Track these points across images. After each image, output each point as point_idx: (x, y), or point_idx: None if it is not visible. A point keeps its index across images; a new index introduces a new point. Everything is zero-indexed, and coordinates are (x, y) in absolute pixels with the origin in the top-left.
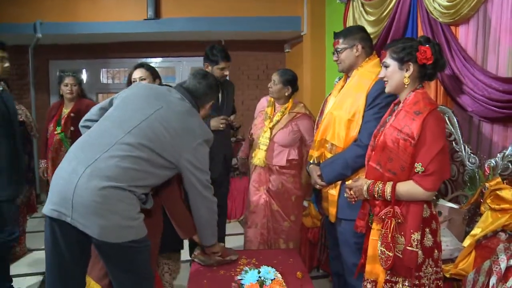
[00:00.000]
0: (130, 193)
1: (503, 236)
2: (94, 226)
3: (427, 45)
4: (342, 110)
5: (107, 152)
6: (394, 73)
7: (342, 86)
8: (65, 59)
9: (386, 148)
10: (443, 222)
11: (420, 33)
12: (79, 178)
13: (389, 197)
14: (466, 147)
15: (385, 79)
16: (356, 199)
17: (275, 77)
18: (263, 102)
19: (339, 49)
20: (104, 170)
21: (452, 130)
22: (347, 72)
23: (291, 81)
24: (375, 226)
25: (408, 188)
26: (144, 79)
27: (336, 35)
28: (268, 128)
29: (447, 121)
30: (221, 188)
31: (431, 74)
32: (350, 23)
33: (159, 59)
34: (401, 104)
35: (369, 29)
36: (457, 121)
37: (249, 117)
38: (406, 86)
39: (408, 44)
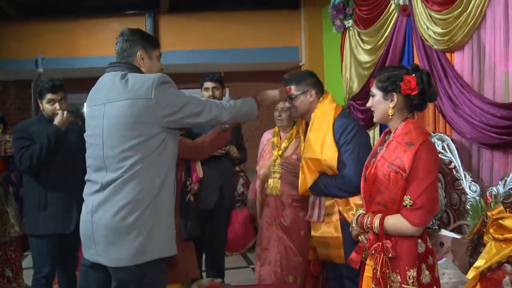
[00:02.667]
0: None
1: (508, 268)
2: None
3: (413, 75)
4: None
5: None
6: (379, 103)
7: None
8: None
9: (377, 180)
10: (445, 253)
11: (416, 60)
12: None
13: (377, 230)
14: (467, 175)
15: (372, 108)
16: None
17: (283, 105)
18: (267, 135)
19: (292, 96)
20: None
21: (452, 157)
22: (301, 117)
23: None
24: (368, 262)
25: (395, 221)
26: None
27: (288, 82)
28: (277, 156)
29: (446, 149)
30: (218, 220)
31: (418, 104)
32: (347, 52)
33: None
34: (392, 135)
35: (366, 58)
36: (456, 148)
37: (250, 148)
38: (390, 117)
39: (393, 73)
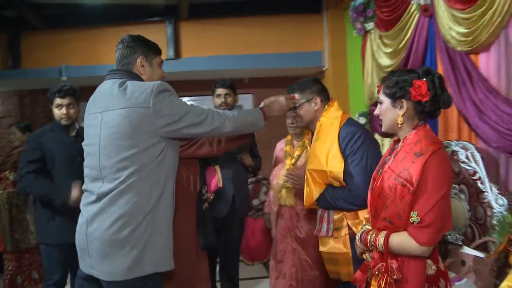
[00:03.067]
0: None
1: None
2: None
3: (423, 79)
4: (318, 163)
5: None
6: (387, 111)
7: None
8: None
9: (382, 193)
10: (467, 274)
11: (439, 63)
12: None
13: (381, 249)
14: (493, 187)
15: (380, 117)
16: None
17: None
18: (280, 145)
19: (296, 104)
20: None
21: (476, 168)
22: (307, 126)
23: None
24: (373, 282)
25: (401, 240)
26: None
27: (291, 90)
28: (290, 166)
29: (470, 158)
30: (232, 229)
31: (430, 111)
32: (368, 56)
33: (184, 98)
34: (400, 143)
35: (387, 62)
36: (481, 157)
37: (267, 157)
38: (400, 126)
39: (402, 77)
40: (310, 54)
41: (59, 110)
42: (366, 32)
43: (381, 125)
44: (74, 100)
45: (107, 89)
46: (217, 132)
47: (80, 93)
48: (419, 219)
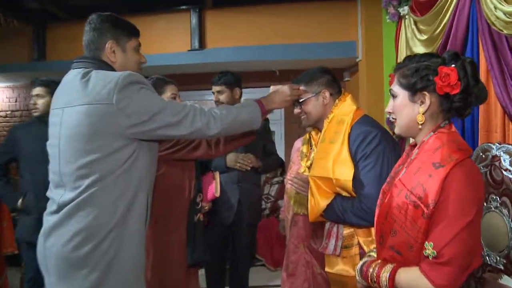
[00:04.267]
0: None
1: None
2: None
3: (452, 65)
4: (323, 168)
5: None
6: (404, 107)
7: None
8: None
9: (390, 214)
10: None
11: (481, 51)
12: None
13: (385, 286)
14: None
15: (392, 116)
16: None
17: None
18: (297, 144)
19: (301, 100)
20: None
21: None
22: (315, 125)
23: None
24: None
25: (410, 278)
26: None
27: (295, 82)
28: (305, 168)
29: None
30: (239, 237)
31: (460, 108)
32: (402, 44)
33: (207, 92)
34: (415, 150)
35: (422, 50)
36: None
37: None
38: (420, 126)
39: (423, 63)
40: (343, 44)
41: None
42: (400, 18)
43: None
44: (44, 91)
45: (69, 80)
46: (200, 134)
47: None
48: (436, 253)
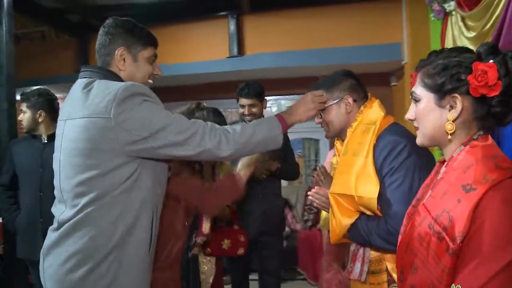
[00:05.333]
0: None
1: None
2: None
3: (490, 61)
4: (345, 185)
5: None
6: (429, 113)
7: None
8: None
9: (410, 246)
10: None
11: None
12: None
13: None
14: None
15: (414, 123)
16: None
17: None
18: (330, 154)
19: (322, 108)
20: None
21: None
22: (339, 135)
23: None
24: None
25: None
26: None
27: (315, 88)
28: None
29: None
30: (266, 249)
31: (499, 114)
32: (449, 43)
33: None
34: (443, 168)
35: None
36: None
37: None
38: (450, 137)
39: (453, 59)
40: (388, 46)
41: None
42: (446, 15)
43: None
44: (25, 105)
45: (73, 91)
46: (209, 155)
47: None
48: None
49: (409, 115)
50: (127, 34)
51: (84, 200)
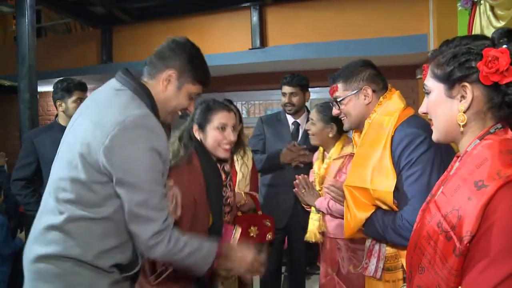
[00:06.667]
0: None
1: None
2: None
3: (503, 46)
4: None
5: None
6: (439, 105)
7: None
8: None
9: (419, 245)
10: None
11: None
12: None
13: None
14: None
15: (429, 117)
16: None
17: (312, 115)
18: (315, 156)
19: (339, 99)
20: (41, 236)
21: None
22: (358, 127)
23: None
24: None
25: None
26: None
27: (332, 79)
28: (318, 187)
29: None
30: (295, 244)
31: None
32: (477, 33)
33: (270, 91)
34: (457, 163)
35: None
36: None
37: None
38: (462, 129)
39: (464, 47)
40: (414, 38)
41: (78, 104)
42: (474, 4)
43: None
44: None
45: (101, 91)
46: (143, 246)
47: None
48: None
49: (422, 108)
50: (187, 61)
51: (63, 205)
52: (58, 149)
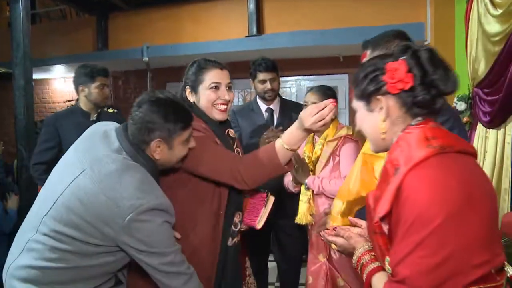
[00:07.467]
0: None
1: None
2: None
3: (401, 58)
4: None
5: (27, 243)
6: (364, 120)
7: None
8: (180, 81)
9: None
10: None
11: None
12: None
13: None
14: None
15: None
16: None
17: (310, 97)
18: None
19: None
20: (22, 271)
21: None
22: None
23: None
24: None
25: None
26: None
27: (363, 46)
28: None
29: None
30: (284, 234)
31: (425, 102)
32: (473, 22)
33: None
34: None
35: (496, 28)
36: None
37: None
38: (383, 137)
39: (370, 68)
40: (411, 26)
41: (101, 90)
42: None
43: (485, 113)
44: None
45: (103, 147)
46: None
47: (172, 74)
48: (391, 270)
49: (356, 127)
50: (164, 123)
51: (58, 248)
52: (48, 187)
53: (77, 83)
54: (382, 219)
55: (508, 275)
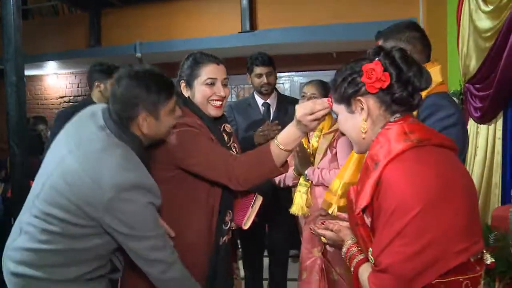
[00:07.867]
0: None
1: None
2: None
3: (375, 59)
4: None
5: (23, 225)
6: (346, 122)
7: None
8: (173, 77)
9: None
10: None
11: None
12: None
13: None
14: None
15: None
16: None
17: (310, 89)
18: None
19: None
20: (17, 252)
21: None
22: None
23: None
24: None
25: (363, 279)
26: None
27: (376, 36)
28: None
29: None
30: (276, 226)
31: (402, 98)
32: (465, 18)
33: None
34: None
35: (487, 24)
36: None
37: None
38: (364, 137)
39: (347, 72)
40: None
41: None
42: None
43: (476, 108)
44: None
45: (88, 126)
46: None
47: (168, 69)
48: (373, 260)
49: (340, 131)
50: (148, 96)
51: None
52: (41, 176)
53: (93, 78)
54: (364, 210)
55: (487, 262)
